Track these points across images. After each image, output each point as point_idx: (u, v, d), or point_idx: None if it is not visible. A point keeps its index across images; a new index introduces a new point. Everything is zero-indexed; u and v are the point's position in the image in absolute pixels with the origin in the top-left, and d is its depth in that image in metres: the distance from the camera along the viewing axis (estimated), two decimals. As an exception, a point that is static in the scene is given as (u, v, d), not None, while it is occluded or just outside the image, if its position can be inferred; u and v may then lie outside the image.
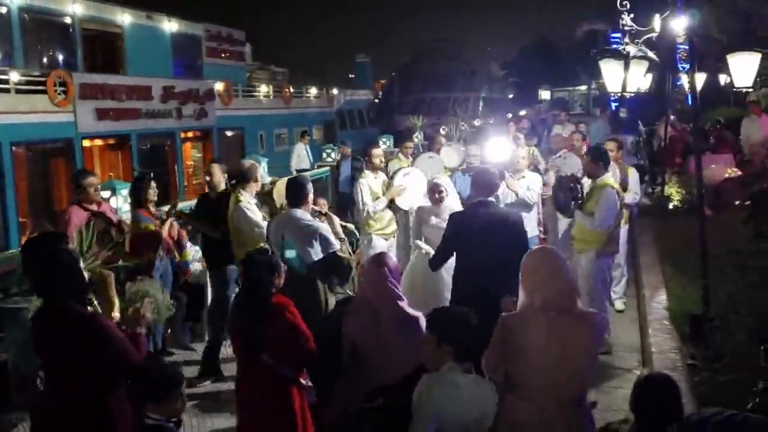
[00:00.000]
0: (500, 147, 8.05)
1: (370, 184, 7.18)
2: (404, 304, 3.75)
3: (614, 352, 6.24)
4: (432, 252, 5.75)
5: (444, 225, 5.75)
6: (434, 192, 6.21)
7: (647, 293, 7.26)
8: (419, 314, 3.69)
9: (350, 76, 46.92)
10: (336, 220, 5.77)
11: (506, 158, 7.66)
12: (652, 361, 5.59)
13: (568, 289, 3.19)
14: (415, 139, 12.85)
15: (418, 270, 5.96)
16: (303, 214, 5.10)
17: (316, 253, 4.97)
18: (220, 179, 6.51)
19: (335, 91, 29.75)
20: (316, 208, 5.79)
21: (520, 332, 3.13)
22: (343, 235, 5.57)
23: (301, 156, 17.09)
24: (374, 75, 47.13)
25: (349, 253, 5.34)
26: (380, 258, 3.89)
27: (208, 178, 6.77)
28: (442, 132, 21.88)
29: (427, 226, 6.17)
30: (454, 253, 5.02)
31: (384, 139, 20.50)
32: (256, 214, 5.92)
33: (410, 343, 3.45)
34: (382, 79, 55.88)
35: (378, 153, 7.52)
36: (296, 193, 5.18)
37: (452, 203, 6.31)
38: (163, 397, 2.90)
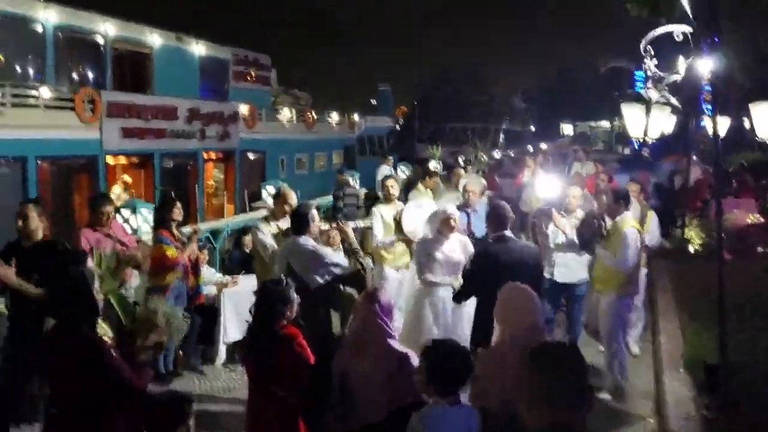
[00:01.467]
0: (551, 183, 7.78)
1: (382, 214, 7.18)
2: (394, 342, 3.73)
3: (628, 398, 6.14)
4: (437, 279, 5.75)
5: (448, 257, 5.76)
6: (447, 221, 5.93)
7: (664, 339, 7.15)
8: (409, 352, 3.67)
9: (372, 101, 47.27)
10: (349, 229, 5.68)
11: (557, 195, 7.42)
12: (666, 409, 5.50)
13: (536, 326, 3.37)
14: (434, 167, 12.88)
15: (424, 301, 5.88)
16: (306, 240, 5.16)
17: (321, 277, 5.02)
18: (38, 225, 5.17)
19: (356, 117, 29.96)
20: (323, 227, 5.79)
21: (493, 366, 3.29)
22: (356, 245, 5.52)
23: (382, 174, 16.84)
24: (396, 101, 47.45)
25: (362, 264, 5.29)
26: (372, 294, 3.85)
27: (20, 223, 5.12)
28: (461, 161, 21.91)
29: (432, 259, 5.89)
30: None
31: (402, 167, 20.59)
32: (268, 237, 6.01)
33: (399, 380, 3.49)
34: (404, 106, 56.25)
35: (390, 183, 7.52)
36: (299, 221, 5.26)
37: (459, 236, 6.17)
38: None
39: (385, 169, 17.21)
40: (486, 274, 4.83)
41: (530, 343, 3.13)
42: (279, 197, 6.46)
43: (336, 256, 5.26)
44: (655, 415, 5.76)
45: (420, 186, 9.83)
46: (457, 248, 5.94)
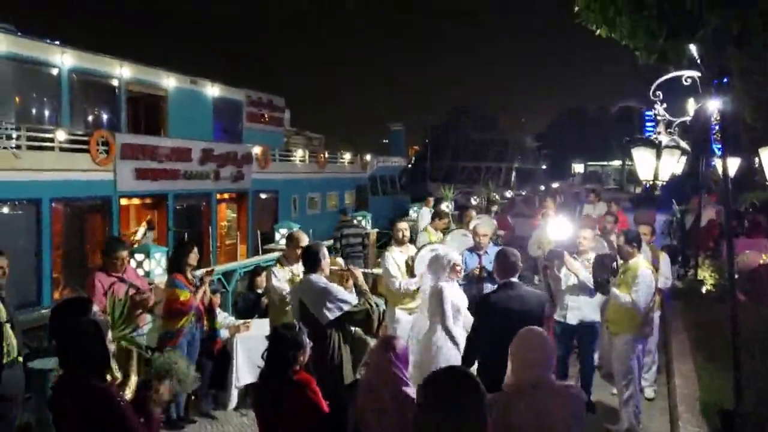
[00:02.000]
0: (562, 225, 7.75)
1: (395, 258, 7.19)
2: (410, 390, 3.72)
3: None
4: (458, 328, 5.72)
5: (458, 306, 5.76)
6: (455, 269, 5.96)
7: (678, 382, 7.05)
8: None
9: (384, 141, 47.66)
10: (358, 273, 5.70)
11: (568, 237, 7.38)
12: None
13: (545, 364, 3.38)
14: (446, 208, 12.90)
15: (443, 346, 5.85)
16: (318, 278, 5.20)
17: (331, 312, 5.03)
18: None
19: (368, 157, 30.21)
20: (335, 268, 5.82)
21: (503, 409, 3.29)
22: (365, 286, 5.54)
23: (425, 220, 14.88)
24: (408, 141, 47.86)
25: (371, 305, 5.30)
26: (387, 342, 3.85)
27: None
28: (474, 202, 21.93)
29: (456, 309, 5.86)
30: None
31: (415, 207, 20.63)
32: (282, 282, 6.05)
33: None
34: (416, 146, 56.62)
35: (402, 227, 7.52)
36: (310, 258, 5.31)
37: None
38: None
39: (426, 213, 15.08)
40: (494, 324, 4.81)
41: (539, 381, 3.28)
42: (291, 241, 6.50)
43: (346, 293, 5.28)
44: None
45: (429, 227, 9.84)
46: (459, 294, 5.98)
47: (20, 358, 5.42)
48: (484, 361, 4.88)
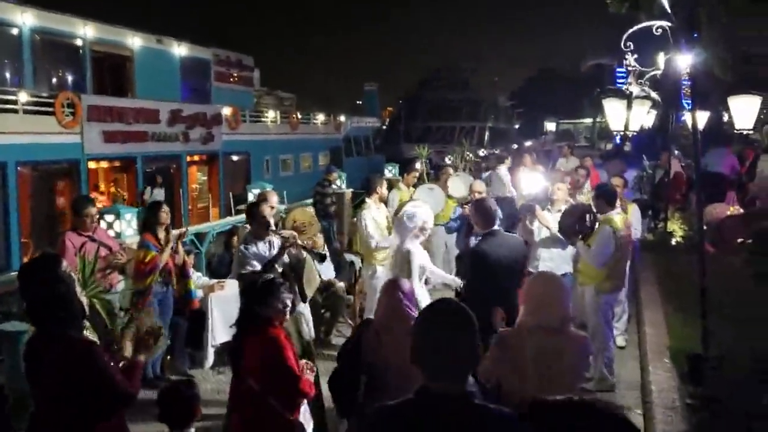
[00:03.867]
0: (533, 178, 7.79)
1: (374, 216, 7.18)
2: None
3: (614, 390, 6.19)
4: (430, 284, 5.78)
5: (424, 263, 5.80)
6: (423, 229, 5.88)
7: (648, 330, 7.22)
8: None
9: (358, 102, 47.26)
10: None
11: (539, 190, 7.40)
12: (652, 400, 5.55)
13: (562, 313, 3.47)
14: (419, 167, 12.86)
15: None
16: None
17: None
18: None
19: (342, 117, 29.94)
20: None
21: (513, 348, 3.41)
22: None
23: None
24: (382, 103, 47.50)
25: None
26: (395, 283, 4.01)
27: None
28: (448, 161, 21.97)
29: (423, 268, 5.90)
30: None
31: (389, 168, 20.60)
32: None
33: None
34: (390, 107, 56.28)
35: (382, 184, 7.53)
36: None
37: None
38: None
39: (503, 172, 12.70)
40: (482, 270, 4.89)
41: (556, 330, 3.37)
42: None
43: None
44: (641, 405, 5.81)
45: (401, 184, 9.85)
46: (424, 255, 6.01)
47: None
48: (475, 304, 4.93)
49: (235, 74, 22.11)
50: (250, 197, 13.10)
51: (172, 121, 17.00)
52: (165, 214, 6.49)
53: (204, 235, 9.88)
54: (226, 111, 19.73)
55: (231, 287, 6.97)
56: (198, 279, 7.27)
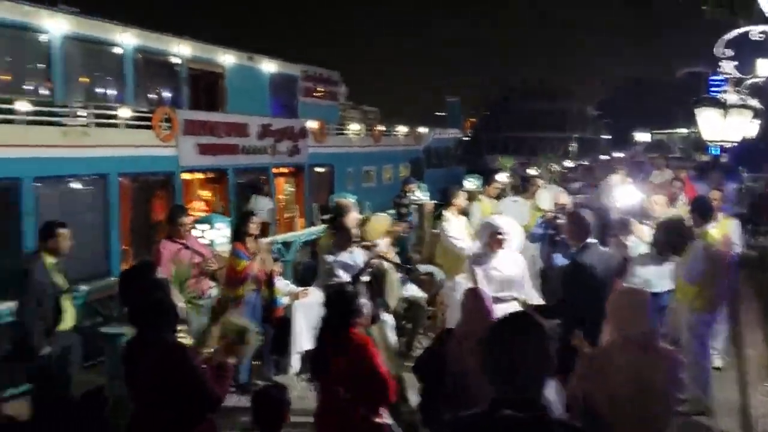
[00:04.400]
0: (627, 191, 7.54)
1: (454, 227, 7.15)
2: None
3: (711, 413, 5.87)
4: (497, 295, 5.64)
5: (501, 273, 5.66)
6: (495, 237, 5.82)
7: (749, 351, 6.82)
8: None
9: (438, 114, 47.24)
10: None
11: (635, 203, 7.13)
12: (753, 424, 5.23)
13: (646, 328, 3.39)
14: (504, 179, 12.70)
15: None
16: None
17: None
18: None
19: (423, 129, 30.03)
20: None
21: (602, 365, 3.35)
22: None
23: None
24: (464, 113, 47.28)
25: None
26: (476, 292, 4.06)
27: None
28: (534, 173, 21.56)
29: (488, 276, 5.74)
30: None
31: (471, 179, 20.45)
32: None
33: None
34: (472, 118, 55.96)
35: (461, 196, 7.49)
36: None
37: (511, 250, 6.02)
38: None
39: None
40: (575, 285, 4.77)
41: (646, 347, 3.28)
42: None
43: None
44: (740, 430, 5.48)
45: (481, 196, 9.71)
46: (509, 263, 5.85)
47: (76, 325, 5.64)
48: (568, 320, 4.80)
49: (322, 89, 22.62)
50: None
51: (261, 135, 17.55)
52: (254, 224, 6.70)
53: (290, 244, 10.13)
54: (313, 125, 20.18)
55: (315, 294, 7.09)
56: (285, 286, 7.45)
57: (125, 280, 3.47)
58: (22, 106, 11.39)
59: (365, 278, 5.47)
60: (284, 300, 7.29)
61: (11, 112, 11.27)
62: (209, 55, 17.26)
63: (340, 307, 3.83)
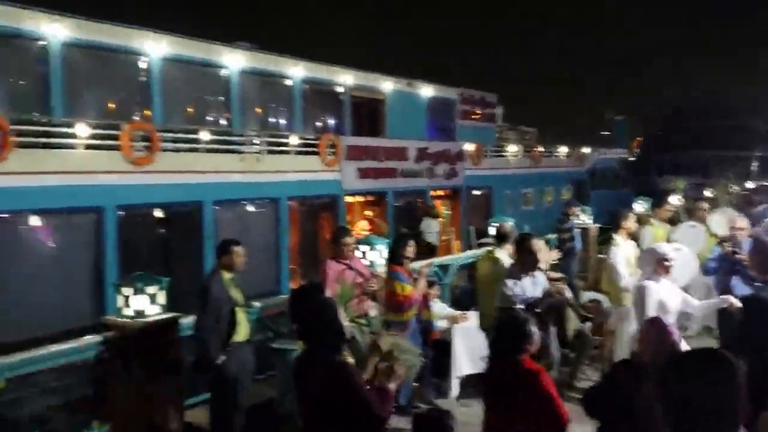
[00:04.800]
0: None
1: (624, 252, 6.78)
2: None
3: None
4: None
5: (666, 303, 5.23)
6: (662, 263, 5.48)
7: None
8: None
9: (603, 133, 45.33)
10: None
11: None
12: None
13: None
14: (677, 202, 11.85)
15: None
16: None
17: None
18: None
19: (586, 149, 28.95)
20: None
21: None
22: None
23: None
24: (629, 133, 45.02)
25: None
26: (658, 323, 3.79)
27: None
28: (709, 195, 19.94)
29: (661, 306, 5.40)
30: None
31: (641, 201, 19.34)
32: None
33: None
34: (639, 137, 53.13)
35: (630, 219, 7.10)
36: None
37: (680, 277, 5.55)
38: None
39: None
40: (759, 321, 4.30)
41: None
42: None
43: None
44: None
45: (653, 220, 9.09)
46: (673, 293, 5.43)
47: (250, 340, 5.97)
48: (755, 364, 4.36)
49: (479, 111, 22.63)
50: (491, 231, 13.15)
51: (419, 158, 17.88)
52: (411, 248, 6.73)
53: (448, 267, 10.11)
54: (469, 147, 20.20)
55: (474, 319, 7.01)
56: (442, 310, 7.44)
57: (296, 299, 3.63)
58: (204, 135, 12.47)
59: (539, 307, 5.30)
60: (442, 323, 7.28)
61: (195, 141, 12.38)
62: (371, 83, 17.93)
63: (511, 333, 3.72)
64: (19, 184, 9.44)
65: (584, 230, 12.53)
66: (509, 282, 5.46)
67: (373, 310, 6.70)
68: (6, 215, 9.55)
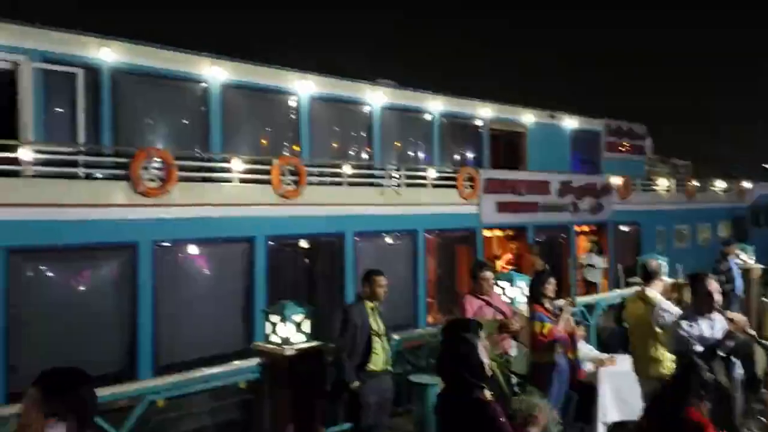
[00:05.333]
0: None
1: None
2: None
3: None
4: None
5: None
6: None
7: None
8: None
9: (764, 165, 41.68)
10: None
11: None
12: None
13: None
14: None
15: None
16: None
17: None
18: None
19: (748, 184, 26.73)
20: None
21: None
22: None
23: None
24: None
25: None
26: None
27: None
28: None
29: None
30: None
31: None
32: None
33: None
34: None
35: None
36: None
37: None
38: None
39: None
40: None
41: None
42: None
43: None
44: None
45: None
46: None
47: (390, 368, 5.97)
48: None
49: (627, 143, 21.62)
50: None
51: (561, 192, 17.31)
52: (551, 286, 6.50)
53: (593, 307, 9.63)
54: (617, 181, 19.30)
55: (622, 363, 6.62)
56: (590, 351, 7.07)
57: (449, 332, 3.59)
58: (347, 169, 12.89)
59: (721, 352, 4.88)
60: (588, 366, 6.91)
61: (339, 175, 12.82)
62: (511, 115, 17.73)
63: (683, 381, 3.43)
64: (180, 215, 10.21)
65: (745, 271, 11.52)
66: (684, 323, 5.09)
67: (513, 349, 6.50)
68: (169, 244, 10.32)
